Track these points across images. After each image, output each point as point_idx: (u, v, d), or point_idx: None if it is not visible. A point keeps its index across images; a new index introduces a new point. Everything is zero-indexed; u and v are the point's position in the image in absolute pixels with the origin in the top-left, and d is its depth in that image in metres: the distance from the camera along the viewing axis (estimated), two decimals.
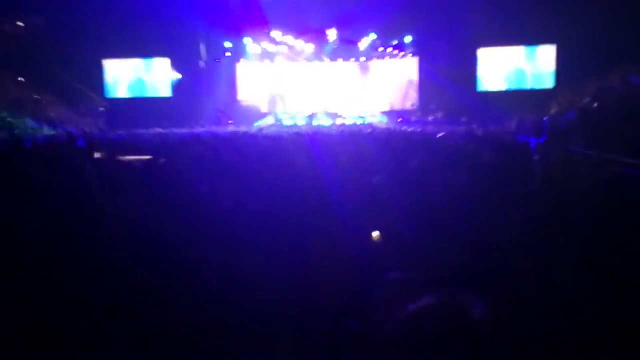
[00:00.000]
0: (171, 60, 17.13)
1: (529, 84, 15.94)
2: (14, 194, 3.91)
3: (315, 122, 15.87)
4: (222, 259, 3.12)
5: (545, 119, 8.43)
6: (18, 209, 3.62)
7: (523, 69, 15.95)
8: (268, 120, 16.39)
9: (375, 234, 3.21)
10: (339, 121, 15.91)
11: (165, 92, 17.24)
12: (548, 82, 15.66)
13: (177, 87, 17.18)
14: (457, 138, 7.48)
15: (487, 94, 16.05)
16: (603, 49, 12.55)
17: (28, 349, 2.39)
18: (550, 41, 15.38)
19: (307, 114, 16.55)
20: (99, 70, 17.15)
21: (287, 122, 16.11)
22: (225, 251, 3.21)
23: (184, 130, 12.55)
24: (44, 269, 2.85)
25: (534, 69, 15.86)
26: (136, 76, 17.31)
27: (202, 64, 17.22)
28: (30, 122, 13.72)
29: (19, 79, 15.30)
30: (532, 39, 15.51)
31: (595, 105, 9.35)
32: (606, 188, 3.98)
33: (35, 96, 15.20)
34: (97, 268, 2.92)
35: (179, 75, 17.14)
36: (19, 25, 15.38)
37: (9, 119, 13.24)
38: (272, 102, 17.26)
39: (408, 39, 16.41)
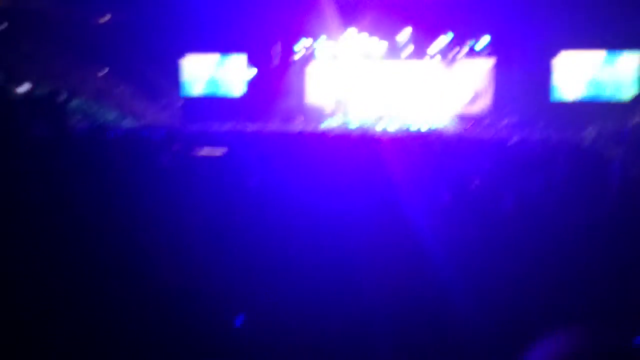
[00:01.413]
0: (247, 57, 17.45)
1: (608, 93, 15.17)
2: (96, 181, 4.18)
3: (383, 125, 15.80)
4: (294, 254, 3.20)
5: (625, 128, 8.04)
6: (99, 196, 3.86)
7: (602, 76, 15.20)
8: (336, 121, 16.46)
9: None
10: (408, 124, 15.76)
11: (240, 90, 17.63)
12: (629, 92, 14.83)
13: (250, 85, 17.53)
14: (531, 145, 7.27)
15: (563, 102, 15.42)
16: None
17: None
18: (634, 47, 14.55)
19: (376, 116, 16.50)
20: (177, 66, 17.76)
21: (355, 123, 16.13)
22: (292, 245, 3.30)
23: (255, 127, 12.87)
24: (127, 256, 3.03)
25: (614, 77, 15.07)
26: (212, 73, 17.78)
27: (275, 62, 17.50)
28: (113, 113, 14.44)
29: (104, 71, 16.12)
30: (614, 44, 14.72)
31: None
32: None
33: (119, 88, 15.97)
34: (172, 259, 3.08)
35: (254, 72, 17.45)
36: (105, 19, 16.16)
37: (93, 109, 14.00)
38: (341, 103, 17.32)
39: (485, 39, 15.99)
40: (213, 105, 16.87)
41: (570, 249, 3.09)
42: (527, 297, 2.68)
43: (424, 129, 14.66)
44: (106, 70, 16.11)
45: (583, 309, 2.60)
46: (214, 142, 6.59)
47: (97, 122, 12.11)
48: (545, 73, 15.42)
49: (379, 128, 15.09)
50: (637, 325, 2.54)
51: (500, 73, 15.98)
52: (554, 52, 15.39)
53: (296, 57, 17.48)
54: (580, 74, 15.41)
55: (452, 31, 16.12)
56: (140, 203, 3.74)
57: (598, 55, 15.21)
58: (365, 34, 16.75)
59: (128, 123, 14.20)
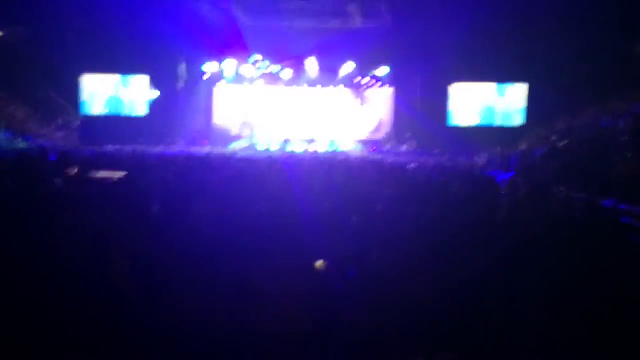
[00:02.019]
0: (150, 78, 17.05)
1: (499, 120, 16.35)
2: None
3: (289, 148, 15.96)
4: (192, 282, 3.12)
5: (513, 154, 8.66)
6: None
7: (494, 105, 16.38)
8: (242, 144, 16.40)
9: (319, 263, 3.23)
10: (313, 147, 16.02)
11: (142, 110, 17.13)
12: (518, 119, 16.08)
13: (154, 105, 17.09)
14: (428, 169, 7.62)
15: (458, 128, 16.40)
16: (573, 88, 13.01)
17: None
18: (521, 79, 15.86)
19: (281, 139, 16.63)
20: (76, 85, 16.98)
21: (261, 146, 16.16)
22: (194, 272, 3.21)
23: (158, 149, 12.49)
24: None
25: (504, 106, 16.29)
26: (113, 92, 17.18)
27: (180, 84, 17.21)
28: (3, 135, 13.45)
29: None
30: (503, 77, 15.98)
31: (563, 143, 9.64)
32: (571, 224, 4.09)
33: (10, 108, 14.95)
34: (61, 289, 2.90)
35: (157, 93, 17.07)
36: None
37: None
38: (247, 125, 17.32)
39: (384, 70, 16.74)
40: (113, 125, 16.22)
41: (464, 269, 3.25)
42: (421, 316, 2.80)
43: (328, 152, 14.96)
44: None
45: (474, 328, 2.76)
46: (113, 164, 6.33)
47: None
48: (441, 101, 16.34)
49: (284, 150, 15.21)
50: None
51: (400, 101, 16.74)
52: (448, 82, 16.39)
53: (202, 78, 17.30)
54: (474, 102, 16.49)
55: (354, 61, 16.72)
56: (30, 232, 3.48)
57: (489, 86, 16.38)
58: (268, 60, 16.98)
59: (20, 144, 13.27)
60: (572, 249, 3.42)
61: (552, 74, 13.77)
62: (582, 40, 13.00)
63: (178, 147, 14.35)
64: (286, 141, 16.49)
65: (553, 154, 8.98)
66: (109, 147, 12.24)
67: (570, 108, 12.73)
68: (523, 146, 12.70)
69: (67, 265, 3.09)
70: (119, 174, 5.61)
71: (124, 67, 16.74)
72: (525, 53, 14.32)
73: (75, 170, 5.94)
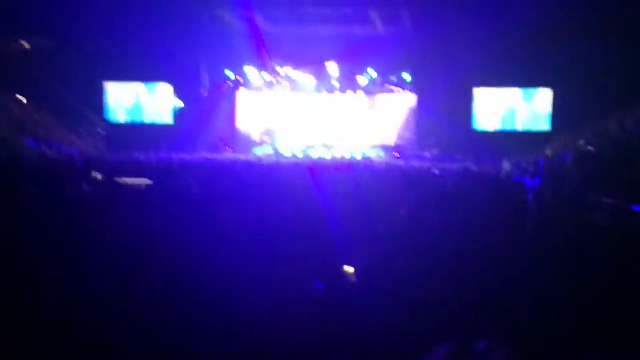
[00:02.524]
0: (174, 86, 17.28)
1: (524, 126, 16.14)
2: (11, 213, 3.92)
3: (313, 154, 15.97)
4: (217, 287, 3.12)
5: (540, 159, 8.53)
6: (15, 228, 3.62)
7: (519, 110, 16.18)
8: (266, 150, 16.47)
9: (350, 269, 3.21)
10: (336, 153, 16.00)
11: (167, 118, 17.35)
12: (544, 125, 15.85)
13: (178, 113, 17.31)
14: (454, 175, 7.55)
15: (483, 133, 16.22)
16: (599, 93, 12.80)
17: None
18: (547, 84, 15.64)
19: (305, 146, 16.66)
20: (101, 93, 17.28)
21: (285, 152, 16.21)
22: (221, 276, 3.22)
23: (183, 156, 12.61)
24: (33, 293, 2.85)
25: (530, 111, 16.08)
26: (138, 101, 17.43)
27: (204, 91, 17.39)
28: (31, 143, 13.73)
29: (21, 98, 15.38)
30: (528, 82, 15.79)
31: (590, 148, 9.48)
32: (600, 229, 4.02)
33: (37, 116, 15.26)
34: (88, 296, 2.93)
35: (181, 102, 17.29)
36: (23, 45, 15.52)
37: (9, 138, 13.26)
38: (271, 132, 17.40)
39: (407, 76, 16.67)
40: (139, 133, 16.44)
41: (491, 274, 3.21)
42: (452, 320, 2.76)
43: (352, 159, 14.94)
44: (25, 98, 15.38)
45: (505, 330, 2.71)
46: (139, 171, 6.40)
47: (15, 151, 11.48)
48: (465, 106, 16.20)
49: (308, 157, 15.23)
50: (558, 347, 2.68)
51: (423, 107, 16.63)
52: (472, 87, 16.24)
53: (225, 86, 17.45)
54: (498, 107, 16.32)
55: (377, 67, 16.69)
56: (60, 238, 3.53)
57: (514, 91, 16.19)
58: (291, 67, 17.04)
59: (49, 152, 13.52)
60: (602, 253, 3.35)
61: (577, 79, 13.57)
62: (607, 44, 12.80)
63: (203, 154, 14.46)
64: (310, 147, 16.51)
65: (580, 160, 8.83)
66: (136, 155, 12.40)
67: (596, 113, 12.52)
68: (549, 152, 12.51)
69: (96, 269, 3.12)
70: (145, 181, 5.68)
71: (148, 75, 16.97)
72: (550, 58, 14.13)
73: (103, 177, 6.02)
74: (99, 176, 6.05)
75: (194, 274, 3.20)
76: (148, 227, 3.78)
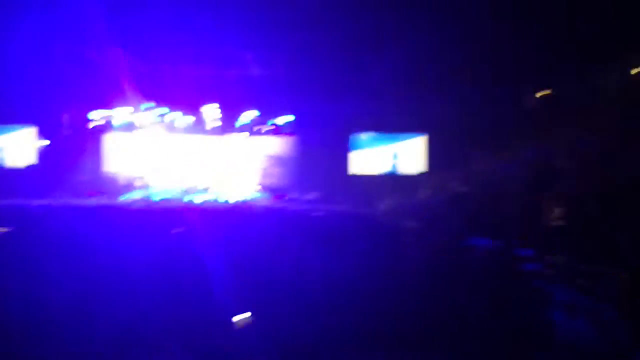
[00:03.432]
0: (37, 128, 16.11)
1: (400, 169, 16.91)
2: None
3: (188, 197, 15.42)
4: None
5: (415, 201, 8.88)
6: None
7: (395, 154, 16.95)
8: (137, 194, 15.64)
9: (240, 318, 3.04)
10: (213, 197, 15.61)
11: (29, 161, 16.05)
12: (419, 168, 16.70)
13: (41, 156, 16.07)
14: (332, 217, 7.60)
15: (359, 176, 16.73)
16: (469, 137, 13.77)
17: None
18: (422, 129, 16.58)
19: (180, 188, 16.08)
20: None
21: (158, 195, 15.49)
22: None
23: (45, 202, 11.70)
24: None
25: (404, 155, 16.91)
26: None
27: (68, 133, 16.30)
28: None
29: None
30: (404, 127, 16.62)
31: (464, 189, 10.06)
32: (468, 268, 4.18)
33: None
34: None
35: (42, 144, 16.09)
36: None
37: None
38: (143, 174, 16.61)
39: (285, 118, 16.87)
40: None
41: (370, 312, 3.20)
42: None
43: (231, 201, 14.64)
44: None
45: None
46: None
47: None
48: (342, 150, 16.66)
49: (183, 200, 14.68)
50: None
51: (303, 150, 16.85)
52: (350, 131, 16.80)
53: (91, 127, 16.46)
54: (374, 151, 16.99)
55: (255, 108, 16.73)
56: None
57: (389, 135, 16.98)
58: (164, 107, 16.56)
59: None
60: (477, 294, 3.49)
61: (450, 123, 14.51)
62: (479, 90, 13.87)
63: (67, 198, 13.43)
64: (186, 191, 15.95)
65: (454, 201, 9.31)
66: None
67: (469, 156, 13.44)
68: (424, 194, 13.15)
69: None
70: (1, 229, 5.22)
71: (9, 117, 15.73)
72: (424, 104, 14.98)
73: None
74: None
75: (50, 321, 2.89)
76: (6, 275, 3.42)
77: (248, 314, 3.05)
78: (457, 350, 2.90)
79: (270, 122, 17.08)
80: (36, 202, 11.59)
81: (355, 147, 16.96)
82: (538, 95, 14.02)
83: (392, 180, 16.16)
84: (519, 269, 4.34)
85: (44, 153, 16.20)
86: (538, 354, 2.96)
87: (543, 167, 9.20)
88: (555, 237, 6.34)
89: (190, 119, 16.83)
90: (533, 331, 3.09)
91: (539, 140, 11.39)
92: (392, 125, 16.46)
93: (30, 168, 16.03)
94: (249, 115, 16.82)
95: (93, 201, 12.74)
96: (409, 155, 16.84)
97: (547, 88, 13.80)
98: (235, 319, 3.03)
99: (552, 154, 9.87)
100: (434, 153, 16.12)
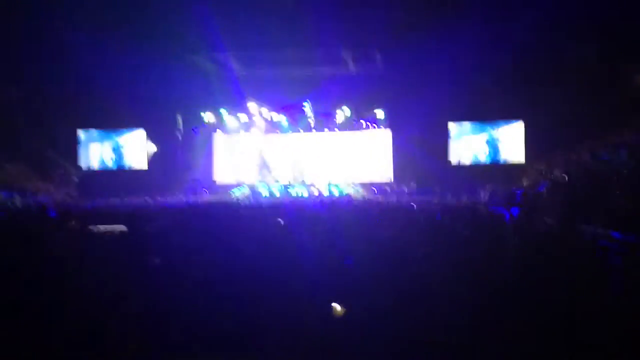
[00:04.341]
0: (147, 131, 17.25)
1: (499, 158, 16.38)
2: None
3: (291, 192, 15.94)
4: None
5: (516, 191, 8.62)
6: None
7: (493, 143, 16.44)
8: (244, 190, 16.38)
9: (338, 308, 3.16)
10: (314, 192, 16.00)
11: (141, 163, 17.26)
12: (518, 156, 16.10)
13: (152, 158, 17.22)
14: (431, 209, 7.56)
15: (458, 166, 16.40)
16: (570, 124, 13.07)
17: None
18: (518, 117, 15.97)
19: (283, 184, 16.64)
20: (74, 140, 17.13)
21: (263, 192, 16.14)
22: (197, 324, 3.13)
23: (158, 201, 12.47)
24: None
25: (503, 143, 16.36)
26: (111, 147, 17.34)
27: (178, 135, 17.37)
28: (2, 192, 13.44)
29: None
30: (501, 115, 16.10)
31: (565, 178, 9.62)
32: (578, 257, 4.04)
33: (9, 165, 15.00)
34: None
35: (155, 147, 17.24)
36: None
37: None
38: (249, 172, 17.37)
39: (380, 113, 16.89)
40: (113, 180, 16.27)
41: (474, 305, 3.19)
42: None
43: (330, 196, 14.93)
44: None
45: None
46: (113, 218, 6.27)
47: None
48: (440, 141, 16.40)
49: (287, 196, 15.18)
50: None
51: (398, 142, 16.79)
52: (446, 121, 16.50)
53: (199, 129, 17.46)
54: (473, 140, 16.57)
55: (350, 105, 16.91)
56: (32, 286, 3.41)
57: (487, 124, 16.49)
58: (266, 108, 17.17)
59: (19, 202, 13.23)
60: (579, 282, 3.38)
61: (548, 110, 13.87)
62: (577, 75, 13.16)
63: (179, 198, 14.32)
64: (287, 186, 16.49)
65: (554, 189, 8.95)
66: (109, 201, 12.22)
67: (568, 143, 12.78)
68: (525, 182, 12.67)
69: (69, 321, 3.01)
70: (119, 228, 5.55)
71: (122, 121, 16.96)
72: (521, 90, 14.44)
73: (76, 225, 5.88)
74: (72, 225, 5.91)
75: (173, 320, 3.11)
76: (122, 274, 3.68)
77: (342, 308, 3.14)
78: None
79: (365, 116, 17.17)
80: (150, 201, 12.46)
81: (453, 137, 16.63)
82: None
83: (491, 170, 15.68)
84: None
85: (155, 155, 17.33)
86: None
87: None
88: None
89: (289, 118, 17.36)
90: None
91: None
92: (490, 112, 15.96)
93: (142, 169, 17.22)
94: (344, 111, 17.03)
95: (203, 199, 13.50)
96: (508, 143, 16.25)
97: None
98: (334, 308, 3.14)
99: None
100: (533, 141, 15.42)
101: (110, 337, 2.97)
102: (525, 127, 15.93)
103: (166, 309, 3.22)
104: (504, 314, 3.13)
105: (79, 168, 17.09)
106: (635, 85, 13.18)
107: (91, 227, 5.68)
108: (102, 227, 5.61)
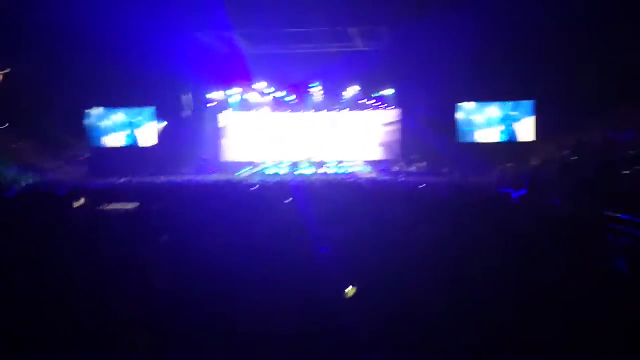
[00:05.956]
0: (156, 109, 17.23)
1: (508, 137, 16.26)
2: None
3: (298, 171, 15.96)
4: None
5: (525, 170, 8.58)
6: None
7: (503, 121, 16.30)
8: (252, 169, 16.43)
9: (350, 290, 3.17)
10: (322, 170, 16.01)
11: (150, 140, 17.27)
12: (527, 135, 15.97)
13: (161, 136, 17.23)
14: (440, 188, 7.55)
15: (467, 145, 16.29)
16: (581, 104, 12.92)
17: None
18: (529, 96, 15.79)
19: (290, 163, 16.65)
20: (84, 118, 17.16)
21: (270, 170, 16.17)
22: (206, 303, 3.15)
23: (167, 179, 12.52)
24: None
25: (513, 122, 16.21)
26: (121, 124, 17.36)
27: (186, 113, 17.36)
28: (12, 170, 13.55)
29: (1, 126, 15.20)
30: (511, 94, 15.94)
31: (574, 158, 9.56)
32: (587, 238, 4.02)
33: (18, 143, 15.09)
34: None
35: (164, 124, 17.24)
36: (3, 72, 15.38)
37: None
38: (257, 151, 17.38)
39: (389, 91, 16.77)
40: (123, 157, 16.33)
41: (481, 285, 3.18)
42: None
43: (337, 174, 14.94)
44: (6, 124, 15.18)
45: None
46: (123, 195, 6.31)
47: None
48: (449, 120, 16.28)
49: (293, 174, 15.21)
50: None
51: (407, 121, 16.69)
52: (455, 100, 16.36)
53: (208, 107, 17.44)
54: (482, 119, 16.44)
55: (359, 83, 16.79)
56: (44, 264, 3.44)
57: (497, 102, 16.33)
58: (273, 86, 17.10)
59: (30, 179, 13.34)
60: (587, 262, 3.37)
61: (559, 90, 13.69)
62: (587, 54, 12.96)
63: (187, 175, 14.38)
64: (294, 165, 16.50)
65: (564, 169, 8.90)
66: (119, 179, 12.30)
67: (578, 123, 12.65)
68: (534, 162, 12.59)
69: (78, 299, 3.04)
70: (129, 205, 5.59)
71: (131, 99, 16.93)
72: (532, 69, 14.25)
73: (85, 203, 5.92)
74: (81, 203, 5.95)
75: (180, 295, 3.13)
76: (134, 252, 3.71)
77: (354, 288, 3.15)
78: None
79: (374, 95, 17.07)
80: (160, 179, 12.52)
81: (462, 116, 16.50)
82: None
83: (500, 149, 15.57)
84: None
85: (164, 132, 17.36)
86: None
87: None
88: None
89: (298, 96, 17.29)
90: None
91: None
92: (499, 92, 15.79)
93: (152, 147, 17.27)
94: (352, 89, 16.93)
95: (211, 178, 13.54)
96: (519, 122, 16.09)
97: None
98: (345, 292, 3.14)
99: None
100: (543, 120, 15.26)
101: (118, 315, 3.00)
102: (537, 106, 15.76)
103: (175, 287, 3.24)
104: (511, 297, 3.13)
105: (89, 146, 17.15)
106: None
107: (101, 204, 5.72)
108: (112, 205, 5.65)
